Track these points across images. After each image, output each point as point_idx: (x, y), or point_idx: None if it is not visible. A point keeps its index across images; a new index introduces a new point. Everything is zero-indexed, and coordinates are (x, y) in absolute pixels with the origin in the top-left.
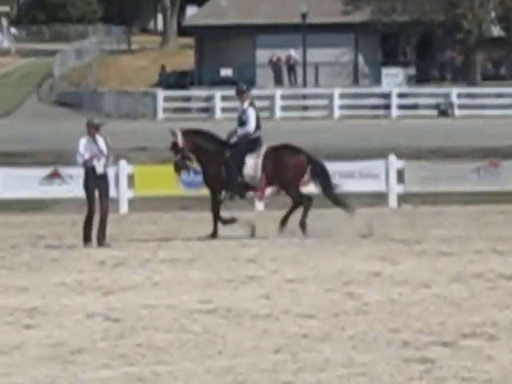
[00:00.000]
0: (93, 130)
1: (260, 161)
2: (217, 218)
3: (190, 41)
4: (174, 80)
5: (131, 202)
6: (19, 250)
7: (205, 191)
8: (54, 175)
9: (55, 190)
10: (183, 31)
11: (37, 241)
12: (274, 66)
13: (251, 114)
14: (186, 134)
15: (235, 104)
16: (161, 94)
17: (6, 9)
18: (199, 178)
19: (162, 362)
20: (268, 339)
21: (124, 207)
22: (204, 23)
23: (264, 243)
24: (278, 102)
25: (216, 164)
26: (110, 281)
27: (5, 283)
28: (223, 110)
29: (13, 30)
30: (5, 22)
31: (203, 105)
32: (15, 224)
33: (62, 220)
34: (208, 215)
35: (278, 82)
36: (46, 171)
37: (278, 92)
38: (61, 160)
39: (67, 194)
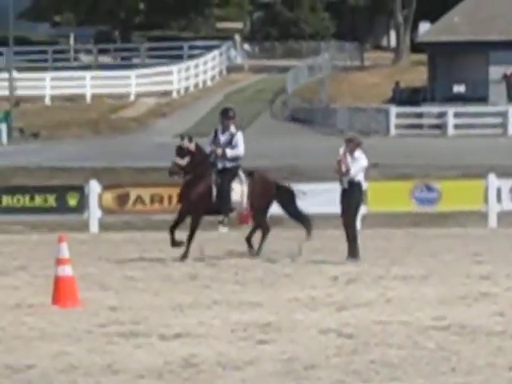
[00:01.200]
0: (349, 144)
1: (245, 187)
2: (192, 237)
3: (423, 57)
4: (407, 96)
5: (364, 218)
6: (253, 265)
7: (438, 207)
8: None
9: None
10: (416, 47)
11: (270, 256)
12: (507, 82)
13: (240, 138)
14: (196, 144)
15: (468, 121)
16: (393, 110)
17: (240, 25)
18: (432, 195)
19: (396, 378)
20: (502, 356)
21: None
22: (437, 39)
23: (498, 260)
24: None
25: (204, 183)
26: (343, 297)
27: (238, 299)
28: (456, 126)
29: (246, 46)
30: (238, 38)
31: (435, 121)
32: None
33: (293, 236)
34: (439, 231)
35: (511, 98)
36: None
37: (511, 109)
38: (294, 177)
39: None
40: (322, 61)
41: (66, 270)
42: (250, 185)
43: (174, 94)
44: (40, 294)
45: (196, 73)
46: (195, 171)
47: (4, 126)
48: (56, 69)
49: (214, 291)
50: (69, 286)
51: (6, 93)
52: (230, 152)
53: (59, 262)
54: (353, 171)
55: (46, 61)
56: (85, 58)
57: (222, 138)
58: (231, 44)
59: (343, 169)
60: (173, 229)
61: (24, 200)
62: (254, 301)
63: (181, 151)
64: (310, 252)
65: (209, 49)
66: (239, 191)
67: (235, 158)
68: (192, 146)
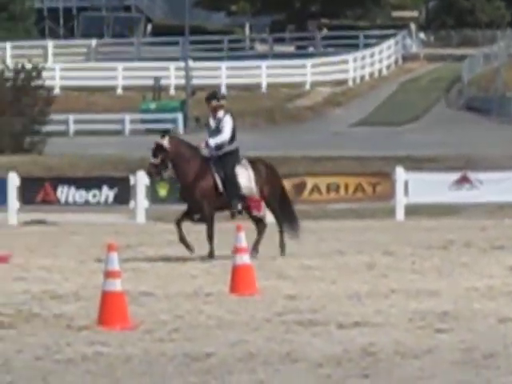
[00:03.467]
0: None
1: (251, 172)
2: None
3: None
4: None
5: None
6: (430, 254)
7: None
8: (463, 180)
9: (464, 195)
10: None
11: (447, 245)
12: None
13: (228, 122)
14: (173, 138)
15: None
16: None
17: (415, 14)
18: None
19: None
20: None
21: None
22: None
23: None
24: None
25: (206, 177)
26: None
27: (416, 287)
28: None
29: (421, 35)
30: (413, 27)
31: None
32: (425, 228)
33: (471, 225)
34: None
35: None
36: (454, 176)
37: None
38: (470, 165)
39: (477, 198)
40: (497, 49)
41: (244, 259)
42: (253, 170)
43: (350, 83)
44: (218, 283)
45: (371, 62)
46: (185, 168)
47: (180, 116)
48: (231, 58)
49: (391, 280)
50: (247, 274)
51: (183, 82)
52: (212, 141)
53: (237, 250)
54: None
55: (221, 50)
56: (260, 48)
57: (213, 125)
58: (407, 33)
59: None
60: (179, 222)
61: None
62: (431, 289)
63: (155, 150)
64: (487, 241)
65: (384, 38)
66: (246, 176)
67: (222, 145)
68: (165, 143)
